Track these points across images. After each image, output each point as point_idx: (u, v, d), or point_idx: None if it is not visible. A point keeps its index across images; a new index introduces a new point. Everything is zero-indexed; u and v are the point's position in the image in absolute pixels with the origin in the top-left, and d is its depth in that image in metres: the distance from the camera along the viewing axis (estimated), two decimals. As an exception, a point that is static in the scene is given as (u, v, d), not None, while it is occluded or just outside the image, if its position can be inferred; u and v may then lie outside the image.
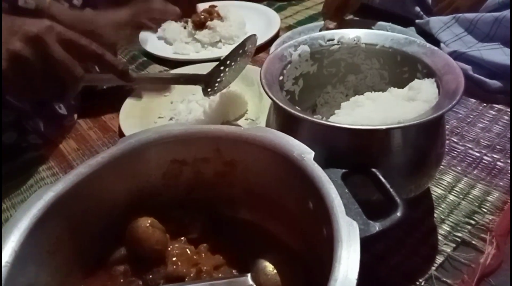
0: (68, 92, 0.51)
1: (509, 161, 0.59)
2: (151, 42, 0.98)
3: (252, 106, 0.73)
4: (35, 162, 0.67)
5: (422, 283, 0.45)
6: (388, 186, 0.37)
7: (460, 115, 0.69)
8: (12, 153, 0.66)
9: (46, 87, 0.49)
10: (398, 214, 0.34)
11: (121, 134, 0.69)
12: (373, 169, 0.38)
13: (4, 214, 0.60)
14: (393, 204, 0.35)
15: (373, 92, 0.51)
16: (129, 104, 0.74)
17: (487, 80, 0.72)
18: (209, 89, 0.66)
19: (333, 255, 0.28)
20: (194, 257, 0.39)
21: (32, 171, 0.66)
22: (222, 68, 0.66)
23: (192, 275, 0.38)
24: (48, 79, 0.48)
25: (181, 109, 0.72)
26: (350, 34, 0.55)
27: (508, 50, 0.73)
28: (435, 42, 0.81)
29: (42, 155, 0.68)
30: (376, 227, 0.32)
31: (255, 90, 0.75)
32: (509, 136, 0.64)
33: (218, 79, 0.66)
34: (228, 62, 0.66)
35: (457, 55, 0.75)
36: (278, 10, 1.11)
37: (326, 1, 0.94)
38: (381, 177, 0.38)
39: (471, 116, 0.69)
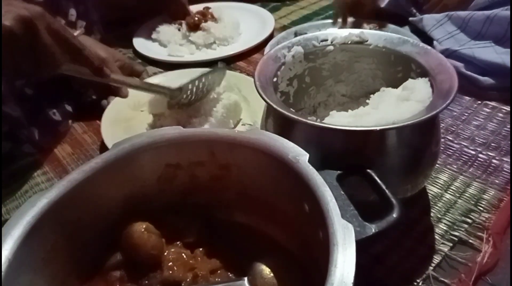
0: (43, 74, 0.56)
1: (504, 159, 0.59)
2: (145, 44, 0.98)
3: (244, 111, 0.72)
4: (30, 167, 0.67)
5: (420, 283, 0.45)
6: (383, 187, 0.37)
7: (455, 113, 0.69)
8: (7, 160, 0.66)
9: (26, 66, 0.52)
10: (394, 215, 0.34)
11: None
12: (369, 170, 0.38)
13: (-1, 220, 0.59)
14: (389, 205, 0.35)
15: (367, 92, 0.51)
16: (107, 124, 0.70)
17: (479, 77, 0.72)
18: (174, 103, 0.66)
19: (329, 258, 0.27)
20: (190, 261, 0.39)
21: (27, 177, 0.66)
22: (191, 86, 0.66)
23: (188, 280, 0.37)
24: (29, 59, 0.52)
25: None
26: (343, 34, 0.55)
27: (499, 49, 0.74)
28: (428, 39, 0.81)
29: (37, 160, 0.68)
30: (372, 229, 0.32)
31: (238, 95, 0.75)
32: (504, 133, 0.64)
33: (185, 96, 0.66)
34: (198, 83, 0.66)
35: (449, 53, 0.76)
36: (272, 10, 1.11)
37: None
38: (376, 178, 0.37)
39: (466, 114, 0.69)
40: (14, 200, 0.62)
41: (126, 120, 0.72)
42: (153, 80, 0.80)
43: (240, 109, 0.72)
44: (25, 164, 0.67)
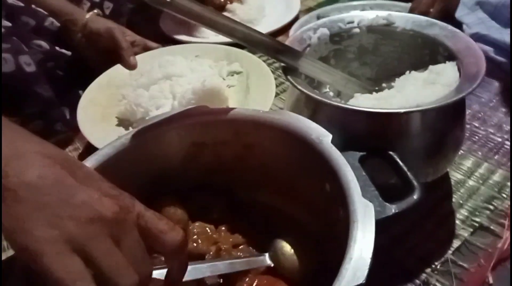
0: None
1: (531, 146, 0.58)
2: (171, 26, 0.99)
3: (235, 101, 0.68)
4: (62, 144, 0.70)
5: (438, 266, 0.45)
6: (405, 168, 0.37)
7: (483, 99, 0.68)
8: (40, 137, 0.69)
9: None
10: (415, 196, 0.34)
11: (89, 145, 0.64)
12: (390, 152, 0.39)
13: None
14: (410, 187, 0.35)
15: (393, 75, 0.51)
16: (83, 112, 0.67)
17: (509, 62, 0.70)
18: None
19: (349, 234, 0.28)
20: (214, 236, 0.40)
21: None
22: None
23: (211, 252, 0.39)
24: None
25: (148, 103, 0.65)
26: (370, 16, 0.55)
27: None
28: (458, 24, 0.79)
29: (69, 137, 0.70)
30: (392, 209, 0.33)
31: (242, 81, 0.71)
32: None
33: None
34: None
35: (478, 37, 0.73)
36: (298, -8, 1.09)
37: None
38: (398, 160, 0.38)
39: (494, 101, 0.68)
40: (47, 174, 0.65)
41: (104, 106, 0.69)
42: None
43: (224, 99, 0.67)
44: (57, 141, 0.70)
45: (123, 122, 0.69)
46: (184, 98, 0.64)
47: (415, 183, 0.35)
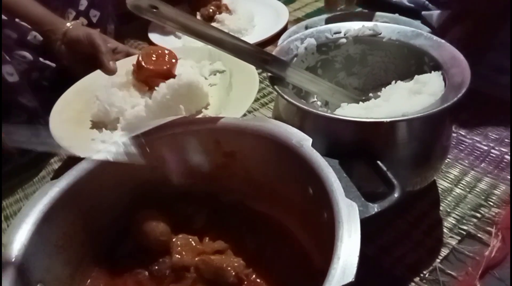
0: None
1: (517, 155, 0.59)
2: (160, 35, 0.99)
3: (216, 99, 0.67)
4: (47, 154, 0.69)
5: (426, 275, 0.45)
6: (384, 168, 0.37)
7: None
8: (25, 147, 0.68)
9: None
10: (395, 195, 0.34)
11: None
12: (369, 154, 0.39)
13: (17, 204, 0.62)
14: (390, 186, 0.35)
15: (379, 85, 0.51)
16: (57, 116, 0.65)
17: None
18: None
19: (335, 235, 0.28)
20: (198, 246, 0.40)
21: (44, 163, 0.68)
22: None
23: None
24: None
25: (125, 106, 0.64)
26: (357, 27, 0.55)
27: None
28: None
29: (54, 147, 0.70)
30: (374, 208, 0.33)
31: (225, 80, 0.69)
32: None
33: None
34: None
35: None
36: (286, 2, 1.10)
37: None
38: (377, 161, 0.38)
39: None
40: (32, 185, 0.64)
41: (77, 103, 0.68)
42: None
43: (204, 95, 0.65)
44: (42, 151, 0.69)
45: (97, 125, 0.66)
46: (158, 93, 0.61)
47: (394, 181, 0.36)
